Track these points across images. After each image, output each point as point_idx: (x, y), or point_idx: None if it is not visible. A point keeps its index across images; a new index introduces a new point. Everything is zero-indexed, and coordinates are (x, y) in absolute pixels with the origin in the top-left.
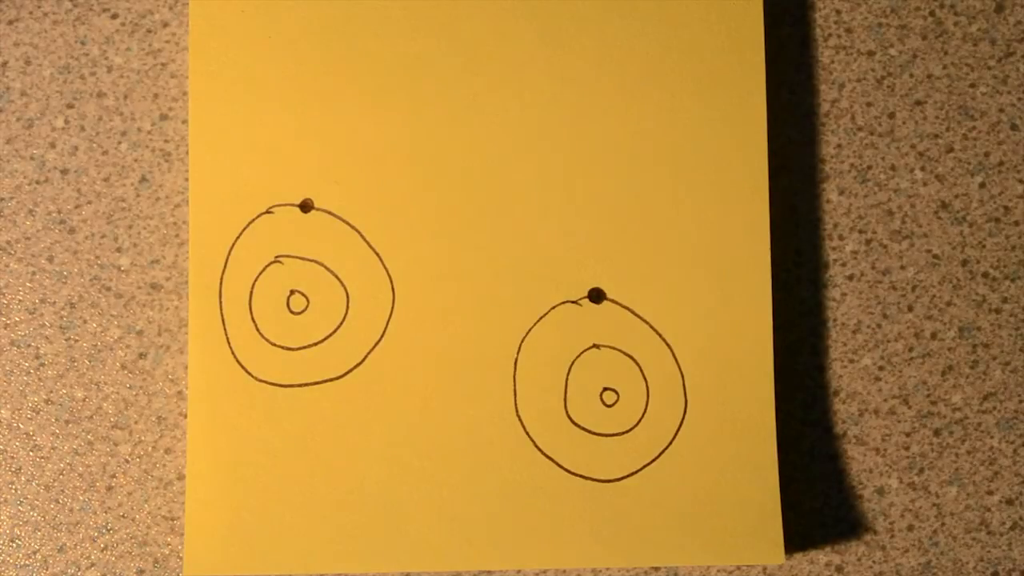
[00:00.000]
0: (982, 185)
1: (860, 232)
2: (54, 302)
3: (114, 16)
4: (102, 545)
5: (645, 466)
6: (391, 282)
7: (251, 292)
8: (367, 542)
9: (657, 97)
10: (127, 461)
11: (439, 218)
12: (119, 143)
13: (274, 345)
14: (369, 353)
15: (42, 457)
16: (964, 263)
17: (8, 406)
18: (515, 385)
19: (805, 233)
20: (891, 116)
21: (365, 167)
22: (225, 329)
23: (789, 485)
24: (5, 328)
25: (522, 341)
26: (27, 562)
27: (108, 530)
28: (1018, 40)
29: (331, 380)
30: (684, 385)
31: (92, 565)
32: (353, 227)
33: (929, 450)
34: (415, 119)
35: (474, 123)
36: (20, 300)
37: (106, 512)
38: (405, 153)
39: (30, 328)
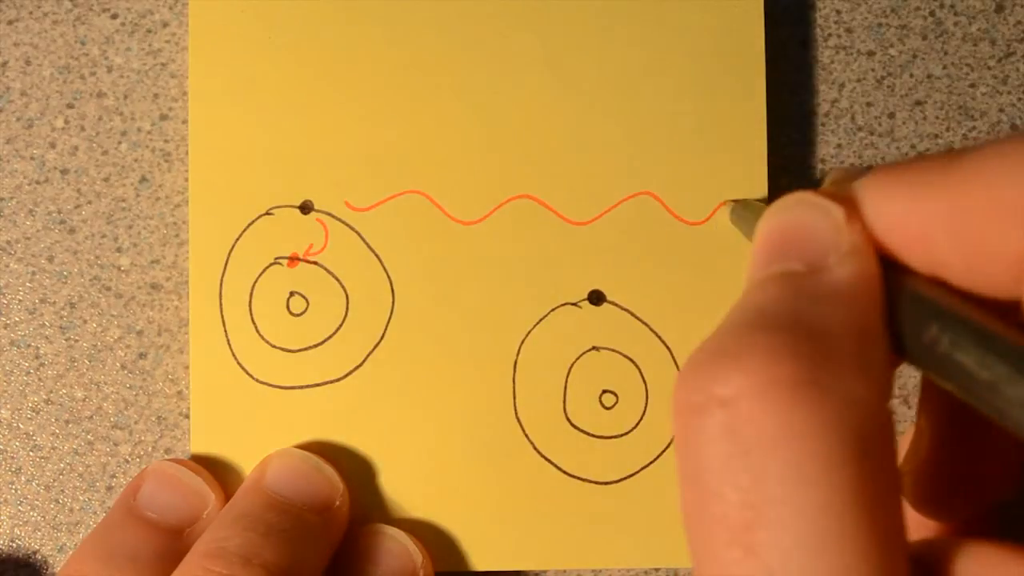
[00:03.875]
0: None
1: None
2: (54, 302)
3: (114, 16)
4: None
5: (644, 468)
6: (391, 284)
7: (251, 293)
8: None
9: (656, 98)
10: (127, 461)
11: (439, 219)
12: (119, 143)
13: (274, 347)
14: (369, 355)
15: (42, 457)
16: None
17: (8, 406)
18: (515, 387)
19: None
20: (891, 116)
21: (365, 169)
22: (225, 330)
23: None
24: (5, 328)
25: (522, 343)
26: (27, 562)
27: None
28: (1018, 40)
29: (331, 382)
30: None
31: None
32: (353, 228)
33: None
34: (415, 120)
35: (474, 125)
36: (20, 300)
37: (106, 512)
38: (405, 155)
39: (30, 328)
